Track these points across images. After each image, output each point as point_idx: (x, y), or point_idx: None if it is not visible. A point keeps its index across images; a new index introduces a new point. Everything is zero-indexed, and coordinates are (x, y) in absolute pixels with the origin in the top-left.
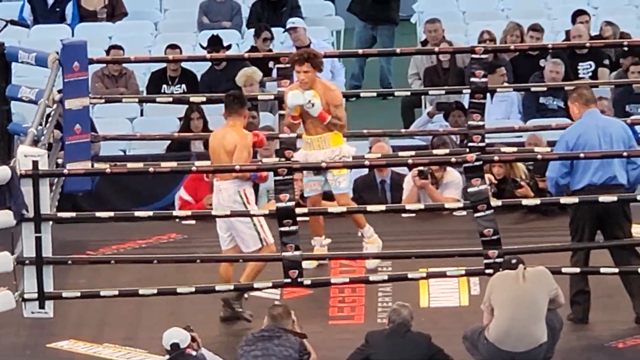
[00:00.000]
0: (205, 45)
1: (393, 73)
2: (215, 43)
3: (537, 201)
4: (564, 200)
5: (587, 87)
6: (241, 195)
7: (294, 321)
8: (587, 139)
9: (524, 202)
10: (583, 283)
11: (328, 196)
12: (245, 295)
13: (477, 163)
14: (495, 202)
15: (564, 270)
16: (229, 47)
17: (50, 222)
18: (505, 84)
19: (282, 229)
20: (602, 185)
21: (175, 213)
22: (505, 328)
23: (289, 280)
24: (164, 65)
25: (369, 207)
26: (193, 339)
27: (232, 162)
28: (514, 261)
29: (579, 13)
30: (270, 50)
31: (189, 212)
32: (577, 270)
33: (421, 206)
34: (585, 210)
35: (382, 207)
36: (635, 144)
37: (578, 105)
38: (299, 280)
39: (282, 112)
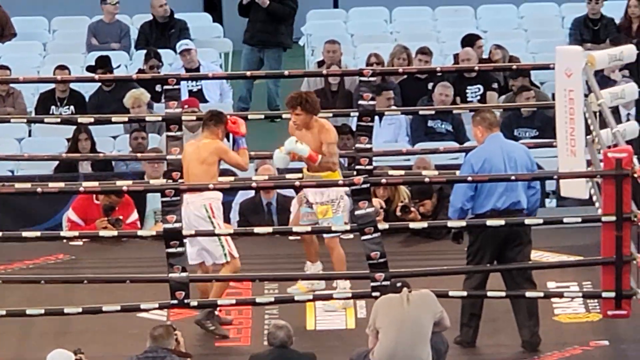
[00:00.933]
0: (93, 65)
1: (281, 95)
2: (103, 64)
3: (425, 224)
4: (451, 223)
5: (491, 110)
6: (207, 209)
7: (179, 342)
8: (493, 164)
9: (412, 225)
10: (477, 307)
11: None
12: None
13: (364, 186)
14: (382, 225)
15: (450, 293)
16: (117, 67)
17: None
18: (393, 107)
19: (169, 250)
20: (505, 210)
21: (63, 233)
22: (390, 351)
23: (175, 301)
24: (52, 86)
25: (256, 230)
26: None
27: (204, 173)
28: (398, 284)
29: (470, 37)
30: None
31: (76, 233)
32: (464, 293)
33: (308, 229)
34: (488, 234)
35: (269, 230)
36: (536, 169)
37: (482, 129)
38: (186, 301)
39: (169, 133)
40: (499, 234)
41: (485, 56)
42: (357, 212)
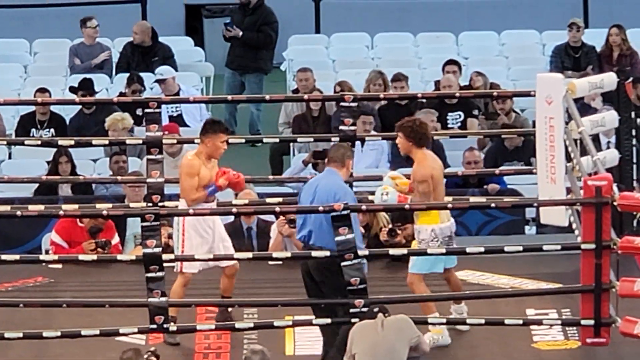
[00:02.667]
0: (75, 87)
1: (262, 120)
2: (85, 87)
3: (404, 251)
4: (431, 250)
5: (341, 146)
6: (179, 223)
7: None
8: (302, 195)
9: (391, 251)
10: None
11: None
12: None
13: (344, 212)
14: (363, 252)
15: (430, 320)
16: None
17: None
18: (373, 132)
19: (149, 274)
20: (304, 242)
21: (42, 257)
22: None
23: (154, 326)
24: (33, 108)
25: (236, 255)
26: None
27: (183, 185)
28: (375, 309)
29: (449, 63)
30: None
31: (55, 257)
32: (444, 320)
33: (288, 254)
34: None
35: (249, 255)
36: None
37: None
38: (165, 326)
39: (150, 156)
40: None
41: (465, 83)
42: (337, 239)
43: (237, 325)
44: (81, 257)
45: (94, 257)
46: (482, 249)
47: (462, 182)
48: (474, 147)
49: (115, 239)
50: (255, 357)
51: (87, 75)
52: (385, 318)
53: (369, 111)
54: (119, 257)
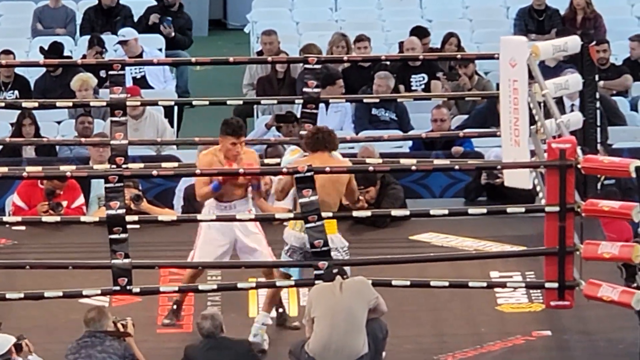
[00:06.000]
0: (46, 50)
1: (226, 82)
2: (55, 50)
3: (368, 213)
4: (394, 212)
5: None
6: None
7: (116, 321)
8: None
9: (355, 213)
10: None
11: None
12: None
13: (308, 174)
14: (326, 213)
15: (394, 282)
16: (68, 57)
17: None
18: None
19: (112, 236)
20: None
21: (5, 219)
22: (324, 341)
23: (118, 287)
24: None
25: (200, 216)
26: (20, 346)
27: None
28: (335, 271)
29: (419, 30)
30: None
31: (19, 218)
32: (408, 282)
33: (251, 216)
34: None
35: (213, 217)
36: None
37: None
38: (128, 287)
39: (114, 118)
40: None
41: (434, 45)
42: (300, 200)
43: (201, 287)
44: (44, 218)
45: (57, 218)
46: (445, 212)
47: (428, 143)
48: (441, 105)
49: (80, 201)
50: (205, 323)
51: (51, 38)
52: (343, 280)
53: (340, 75)
54: (83, 218)
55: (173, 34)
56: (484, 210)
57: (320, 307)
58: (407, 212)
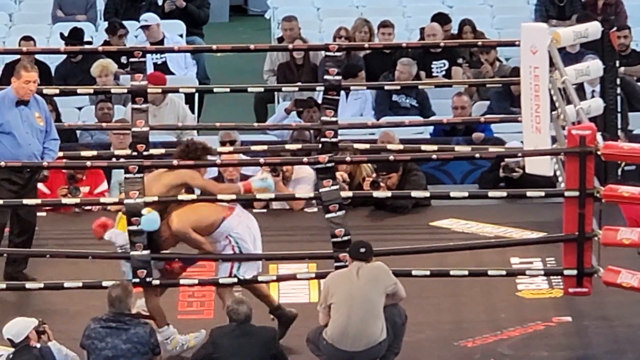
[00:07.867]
0: (65, 35)
1: (247, 69)
2: (75, 36)
3: (389, 193)
4: (414, 193)
5: None
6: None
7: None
8: None
9: (375, 194)
10: None
11: None
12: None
13: (329, 164)
14: (346, 194)
15: (414, 272)
16: (89, 42)
17: None
18: (357, 82)
19: (131, 227)
20: None
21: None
22: (342, 328)
23: (137, 280)
24: (17, 57)
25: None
26: (40, 333)
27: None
28: (362, 250)
29: (440, 16)
30: (124, 45)
31: (38, 201)
32: (428, 272)
33: (271, 195)
34: None
35: (233, 196)
36: None
37: None
38: (147, 279)
39: (135, 105)
40: None
41: (454, 32)
42: (321, 190)
43: (221, 280)
44: (63, 201)
45: (77, 200)
46: (465, 194)
47: (449, 129)
48: (462, 92)
49: (103, 186)
50: (242, 307)
51: (72, 24)
52: (360, 266)
53: (362, 66)
54: (102, 200)
55: (185, 3)
56: (504, 194)
57: (337, 294)
58: (427, 194)
